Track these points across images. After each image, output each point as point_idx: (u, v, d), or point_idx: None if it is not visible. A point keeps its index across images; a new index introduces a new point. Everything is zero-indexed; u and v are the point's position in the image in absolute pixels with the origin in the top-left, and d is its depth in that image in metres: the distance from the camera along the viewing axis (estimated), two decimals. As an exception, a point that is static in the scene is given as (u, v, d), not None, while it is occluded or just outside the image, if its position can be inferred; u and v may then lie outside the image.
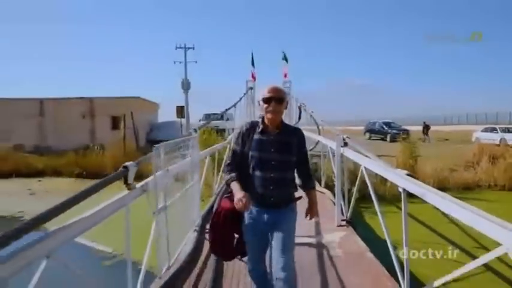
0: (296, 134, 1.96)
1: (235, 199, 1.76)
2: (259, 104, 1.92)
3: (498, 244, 1.49)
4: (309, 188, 2.05)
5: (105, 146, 14.69)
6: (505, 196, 9.41)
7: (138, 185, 2.22)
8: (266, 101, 1.85)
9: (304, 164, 2.01)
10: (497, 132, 19.67)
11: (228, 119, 17.60)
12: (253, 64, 17.29)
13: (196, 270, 3.09)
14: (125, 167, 2.05)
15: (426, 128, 22.81)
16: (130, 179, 2.08)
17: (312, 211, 2.06)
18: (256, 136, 1.88)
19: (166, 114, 27.46)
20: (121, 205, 2.07)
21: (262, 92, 1.90)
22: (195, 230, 3.82)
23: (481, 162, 10.88)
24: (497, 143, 17.66)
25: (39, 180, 12.42)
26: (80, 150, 14.51)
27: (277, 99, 1.85)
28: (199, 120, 23.56)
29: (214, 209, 2.07)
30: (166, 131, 20.16)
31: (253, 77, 16.44)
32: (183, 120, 24.52)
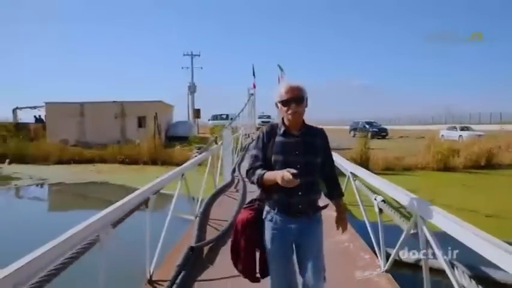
0: (320, 135, 1.83)
1: (280, 177, 1.56)
2: (277, 106, 1.78)
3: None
4: (337, 196, 1.90)
5: (135, 141, 18.83)
6: (430, 173, 13.56)
7: (219, 143, 6.36)
8: (285, 103, 1.71)
9: (330, 167, 1.87)
10: (457, 130, 23.89)
11: (231, 119, 21.81)
12: (254, 74, 21.25)
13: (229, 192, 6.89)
14: (216, 137, 6.16)
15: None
16: (218, 141, 6.20)
17: (343, 222, 1.90)
18: (278, 139, 1.75)
19: (176, 114, 31.52)
20: (213, 152, 6.17)
21: (279, 92, 1.74)
22: (231, 174, 7.91)
23: (418, 150, 15.06)
24: (457, 139, 21.73)
25: (94, 165, 16.46)
26: (115, 144, 18.59)
27: (296, 99, 1.70)
28: (208, 120, 27.88)
29: (231, 223, 1.91)
30: (180, 129, 24.35)
31: (254, 86, 20.39)
32: (195, 120, 28.90)
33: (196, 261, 3.16)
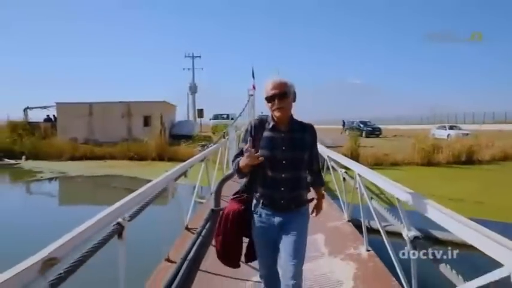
0: (309, 131, 1.86)
1: (244, 157, 1.70)
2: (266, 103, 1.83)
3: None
4: (318, 185, 2.03)
5: (142, 139, 20.14)
6: (415, 168, 14.91)
7: (226, 137, 7.66)
8: (270, 99, 1.77)
9: (314, 162, 1.93)
10: (446, 129, 25.33)
11: (232, 119, 23.08)
12: (253, 76, 22.33)
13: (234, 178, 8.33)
14: (224, 133, 7.46)
15: (344, 124, 30.41)
16: (225, 136, 7.51)
17: (318, 207, 2.07)
18: (266, 134, 1.80)
19: (177, 114, 32.96)
20: (223, 144, 7.46)
21: (265, 89, 1.80)
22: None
23: (407, 148, 16.40)
24: (446, 137, 23.11)
25: (105, 161, 17.70)
26: (121, 142, 19.88)
27: (280, 95, 1.74)
28: (210, 119, 29.17)
29: (221, 213, 2.00)
30: (183, 128, 25.64)
31: (254, 87, 21.52)
32: (198, 119, 30.30)
33: (216, 218, 4.47)
